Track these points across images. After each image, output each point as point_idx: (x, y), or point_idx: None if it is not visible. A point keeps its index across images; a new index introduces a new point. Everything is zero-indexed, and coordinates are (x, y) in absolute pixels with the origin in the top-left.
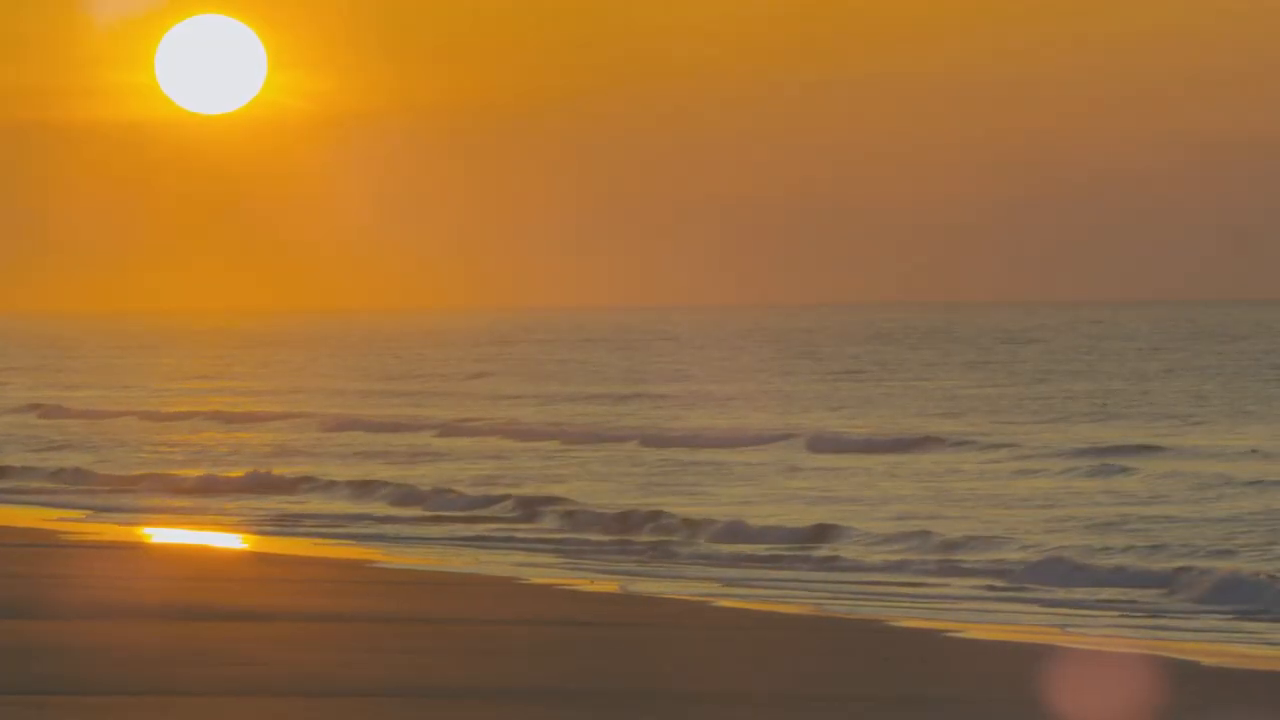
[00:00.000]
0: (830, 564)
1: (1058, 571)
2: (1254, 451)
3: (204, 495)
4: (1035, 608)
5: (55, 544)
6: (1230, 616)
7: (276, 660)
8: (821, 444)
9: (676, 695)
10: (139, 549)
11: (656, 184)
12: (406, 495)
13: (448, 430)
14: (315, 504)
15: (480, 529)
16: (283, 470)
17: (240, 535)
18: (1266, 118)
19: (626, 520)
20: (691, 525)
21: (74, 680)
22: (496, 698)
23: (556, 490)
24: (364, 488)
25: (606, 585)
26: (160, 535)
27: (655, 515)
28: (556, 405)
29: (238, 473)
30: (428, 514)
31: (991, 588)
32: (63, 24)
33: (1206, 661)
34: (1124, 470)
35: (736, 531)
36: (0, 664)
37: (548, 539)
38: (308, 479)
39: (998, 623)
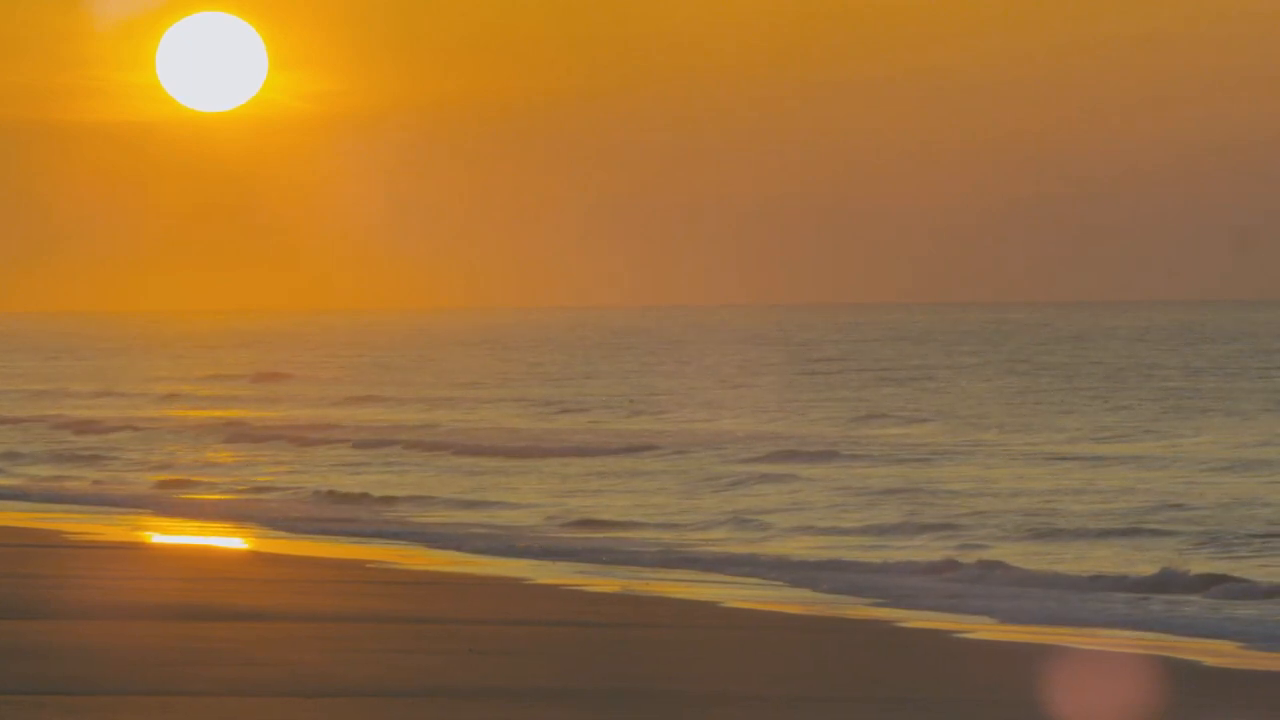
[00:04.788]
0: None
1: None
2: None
3: None
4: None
5: (55, 544)
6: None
7: (276, 660)
8: (466, 449)
9: (677, 695)
10: (139, 549)
11: (660, 185)
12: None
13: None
14: None
15: None
16: None
17: (241, 536)
18: (1268, 119)
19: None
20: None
21: (74, 680)
22: (497, 698)
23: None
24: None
25: (608, 585)
26: (160, 536)
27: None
28: (311, 406)
29: None
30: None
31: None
32: (63, 23)
33: (1208, 661)
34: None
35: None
36: (0, 664)
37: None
38: None
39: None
